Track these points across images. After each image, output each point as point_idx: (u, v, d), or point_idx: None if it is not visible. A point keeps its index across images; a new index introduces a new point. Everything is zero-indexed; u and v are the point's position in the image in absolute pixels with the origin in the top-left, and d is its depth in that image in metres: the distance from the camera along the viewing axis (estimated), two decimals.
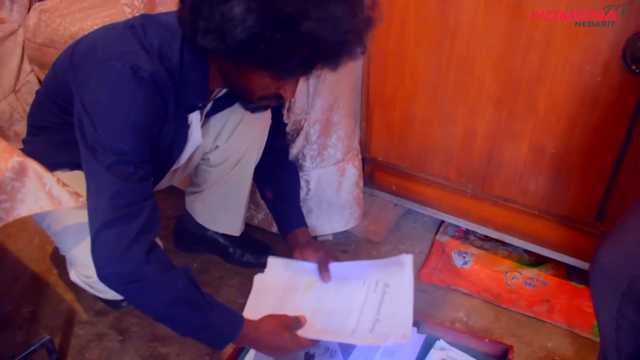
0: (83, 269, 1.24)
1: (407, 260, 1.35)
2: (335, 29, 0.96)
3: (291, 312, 1.26)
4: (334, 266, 1.39)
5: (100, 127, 1.04)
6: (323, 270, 1.38)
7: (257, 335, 1.16)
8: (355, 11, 1.00)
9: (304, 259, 1.41)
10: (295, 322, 1.21)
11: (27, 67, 2.17)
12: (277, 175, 1.51)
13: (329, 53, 1.01)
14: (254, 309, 1.28)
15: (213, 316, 1.12)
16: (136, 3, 1.75)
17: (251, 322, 1.17)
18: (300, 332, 1.22)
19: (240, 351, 1.31)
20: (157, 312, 1.11)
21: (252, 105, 1.18)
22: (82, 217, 1.16)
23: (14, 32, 2.09)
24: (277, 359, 1.26)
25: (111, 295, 1.22)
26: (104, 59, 1.05)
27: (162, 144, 1.19)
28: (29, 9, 2.09)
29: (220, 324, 1.14)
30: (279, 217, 1.53)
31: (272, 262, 1.43)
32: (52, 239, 1.35)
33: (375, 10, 1.05)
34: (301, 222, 1.49)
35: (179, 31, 1.09)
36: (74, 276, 1.29)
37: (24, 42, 2.11)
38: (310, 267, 1.41)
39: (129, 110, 1.04)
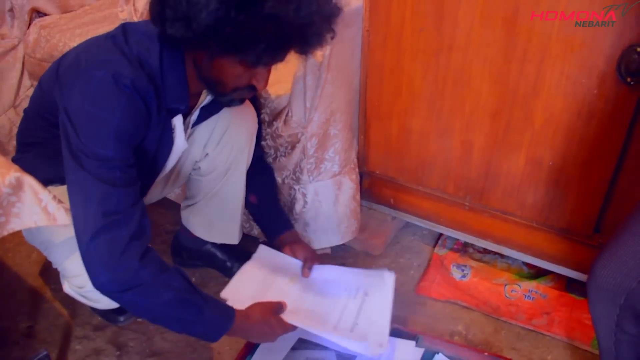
0: (75, 280, 1.25)
1: (389, 277, 1.38)
2: (299, 9, 0.98)
3: (274, 296, 1.32)
4: (317, 268, 1.45)
5: (83, 135, 1.05)
6: (306, 268, 1.43)
7: (249, 324, 1.21)
8: None
9: (293, 255, 1.46)
10: (279, 307, 1.27)
11: (26, 82, 2.18)
12: (259, 180, 1.52)
13: (295, 35, 1.03)
14: (236, 289, 1.33)
15: (207, 310, 1.15)
16: (135, 19, 1.77)
17: (241, 312, 1.21)
18: (286, 317, 1.26)
19: (245, 357, 1.33)
20: (154, 314, 1.13)
21: (226, 98, 1.18)
22: (72, 230, 1.17)
23: (14, 47, 2.11)
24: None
25: (104, 304, 1.24)
26: (86, 69, 1.08)
27: (147, 150, 1.20)
28: (29, 24, 2.11)
29: (214, 317, 1.17)
30: (266, 221, 1.56)
31: (263, 249, 1.48)
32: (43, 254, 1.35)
33: None
34: (289, 224, 1.54)
35: (158, 36, 1.10)
36: (67, 288, 1.29)
37: (24, 57, 2.12)
38: (297, 263, 1.46)
39: (111, 116, 1.05)
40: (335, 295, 1.38)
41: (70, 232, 1.14)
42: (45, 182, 1.23)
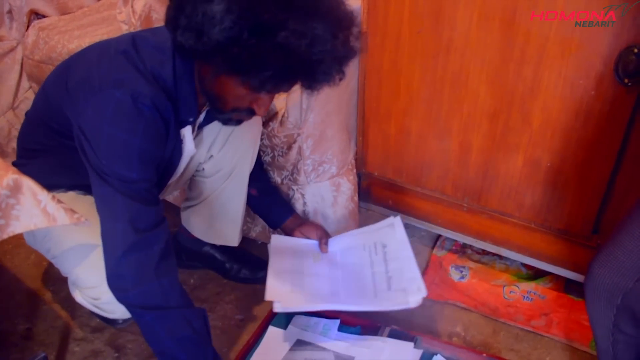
0: (90, 291, 1.24)
1: (397, 222, 1.47)
2: (312, 45, 0.97)
3: (311, 281, 1.37)
4: (332, 240, 1.52)
5: (104, 156, 1.05)
6: (322, 244, 1.49)
7: None
8: (336, 34, 1.00)
9: (305, 236, 1.52)
10: None
11: (25, 84, 2.18)
12: (256, 172, 1.53)
13: (303, 69, 1.02)
14: (276, 288, 1.34)
15: None
16: (133, 20, 1.77)
17: None
18: (328, 301, 1.30)
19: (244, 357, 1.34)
20: (162, 345, 1.11)
21: (224, 116, 1.18)
22: (82, 238, 1.17)
23: (12, 49, 2.11)
24: None
25: (119, 314, 1.24)
26: (102, 88, 1.06)
27: (161, 161, 1.20)
28: (28, 26, 2.11)
29: None
30: (269, 210, 1.58)
31: (276, 239, 1.52)
32: (50, 261, 1.35)
33: (359, 41, 1.06)
34: (291, 209, 1.58)
35: (169, 49, 1.10)
36: (79, 298, 1.28)
37: (22, 59, 2.12)
38: (312, 243, 1.52)
39: (132, 138, 1.05)
40: (359, 258, 1.46)
41: (79, 238, 1.14)
42: (51, 187, 1.24)
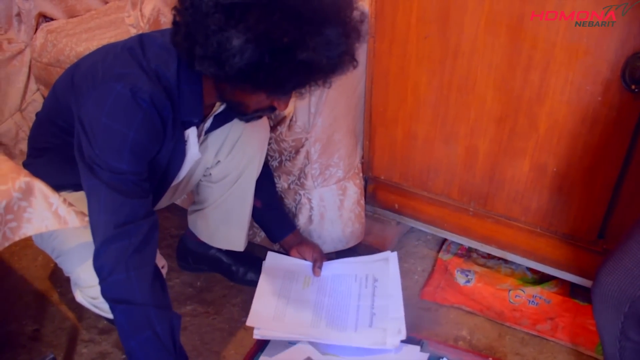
0: (88, 290, 1.25)
1: (392, 258, 1.51)
2: (330, 52, 0.99)
3: (295, 308, 1.39)
4: (327, 265, 1.55)
5: (98, 146, 1.07)
6: (316, 267, 1.53)
7: None
8: (348, 32, 1.02)
9: (301, 256, 1.57)
10: None
11: (33, 86, 2.19)
12: (262, 183, 1.53)
13: (323, 74, 1.05)
14: (258, 314, 1.39)
15: None
16: (141, 24, 1.78)
17: None
18: (307, 332, 1.33)
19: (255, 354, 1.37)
20: (127, 344, 1.10)
21: (247, 117, 1.22)
22: (85, 237, 1.17)
23: (21, 51, 2.12)
24: None
25: None
26: (104, 81, 1.08)
27: (160, 162, 1.21)
28: (36, 29, 2.12)
29: None
30: (271, 224, 1.61)
31: (271, 257, 1.56)
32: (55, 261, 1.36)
33: (364, 23, 1.08)
34: (292, 225, 1.60)
35: (175, 50, 1.11)
36: (79, 297, 1.29)
37: (30, 61, 2.13)
38: (307, 264, 1.54)
39: (127, 130, 1.06)
40: (348, 288, 1.49)
41: (83, 238, 1.15)
42: (58, 188, 1.25)
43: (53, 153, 1.30)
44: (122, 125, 1.06)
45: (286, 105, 1.16)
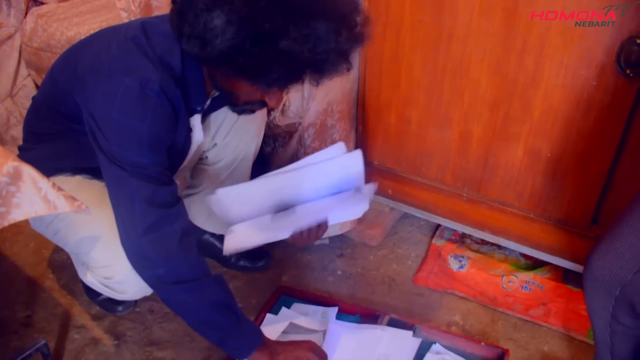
0: (102, 270, 1.24)
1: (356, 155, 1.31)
2: (315, 47, 0.97)
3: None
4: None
5: (115, 143, 1.07)
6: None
7: (279, 348, 1.22)
8: (340, 30, 0.99)
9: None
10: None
11: (24, 71, 2.17)
12: (256, 169, 1.51)
13: (309, 69, 1.03)
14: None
15: (243, 323, 1.18)
16: (132, 8, 1.75)
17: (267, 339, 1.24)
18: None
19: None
20: (197, 316, 1.15)
21: (238, 108, 1.20)
22: (95, 219, 1.18)
23: (11, 36, 2.10)
24: None
25: (130, 295, 1.27)
26: (111, 74, 1.06)
27: (173, 151, 1.20)
28: (26, 13, 2.10)
29: (248, 332, 1.20)
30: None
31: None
32: (56, 244, 1.35)
33: (367, 27, 1.05)
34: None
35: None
36: (89, 278, 1.29)
37: (20, 46, 2.11)
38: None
39: (142, 124, 1.06)
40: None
41: (92, 221, 1.15)
42: (57, 170, 1.26)
43: (56, 138, 1.28)
44: (135, 120, 1.05)
45: (277, 102, 1.15)
